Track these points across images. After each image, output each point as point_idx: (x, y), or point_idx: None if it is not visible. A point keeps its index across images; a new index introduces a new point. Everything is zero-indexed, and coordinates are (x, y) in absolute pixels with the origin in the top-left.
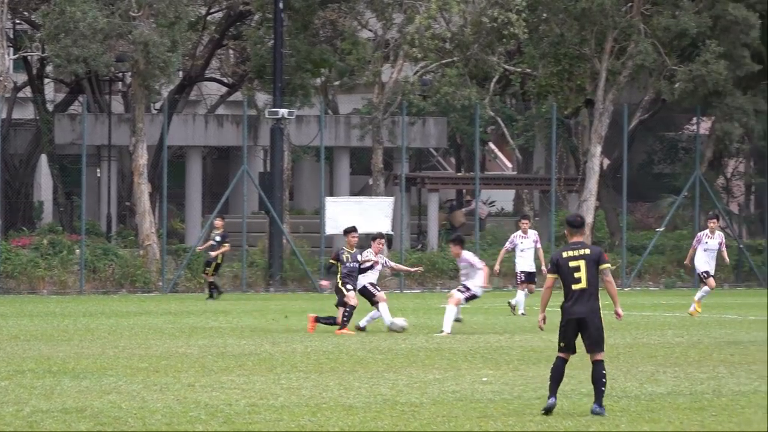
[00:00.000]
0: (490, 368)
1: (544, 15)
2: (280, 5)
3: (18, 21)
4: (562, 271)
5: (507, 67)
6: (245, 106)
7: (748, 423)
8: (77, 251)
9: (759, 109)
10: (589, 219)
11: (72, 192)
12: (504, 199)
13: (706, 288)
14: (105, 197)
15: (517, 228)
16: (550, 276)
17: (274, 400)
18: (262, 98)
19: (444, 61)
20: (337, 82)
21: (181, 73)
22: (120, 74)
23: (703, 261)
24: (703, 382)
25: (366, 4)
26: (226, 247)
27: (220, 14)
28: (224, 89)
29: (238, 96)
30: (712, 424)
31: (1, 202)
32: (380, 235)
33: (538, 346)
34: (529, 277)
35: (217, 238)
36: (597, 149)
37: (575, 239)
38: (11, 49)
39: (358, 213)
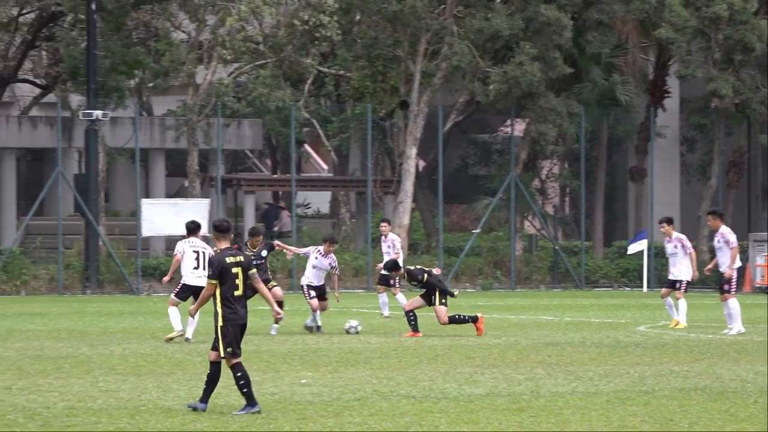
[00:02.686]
0: (308, 370)
1: (357, 17)
2: (93, 6)
3: None
4: (227, 276)
5: (321, 68)
6: (59, 107)
7: (566, 423)
8: None
9: (572, 111)
10: (405, 221)
11: None
12: (320, 201)
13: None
14: None
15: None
16: (212, 282)
17: (92, 403)
18: (76, 99)
19: (258, 63)
20: (151, 84)
21: None
22: None
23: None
24: (521, 383)
25: (179, 5)
26: None
27: (32, 15)
28: (38, 90)
29: (51, 98)
30: (531, 425)
31: None
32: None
33: (356, 347)
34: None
35: None
36: (412, 151)
37: (225, 245)
38: None
39: (174, 215)
